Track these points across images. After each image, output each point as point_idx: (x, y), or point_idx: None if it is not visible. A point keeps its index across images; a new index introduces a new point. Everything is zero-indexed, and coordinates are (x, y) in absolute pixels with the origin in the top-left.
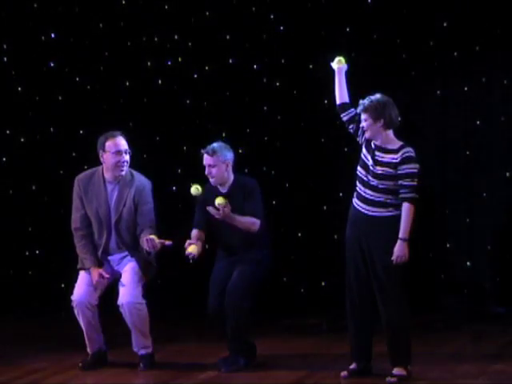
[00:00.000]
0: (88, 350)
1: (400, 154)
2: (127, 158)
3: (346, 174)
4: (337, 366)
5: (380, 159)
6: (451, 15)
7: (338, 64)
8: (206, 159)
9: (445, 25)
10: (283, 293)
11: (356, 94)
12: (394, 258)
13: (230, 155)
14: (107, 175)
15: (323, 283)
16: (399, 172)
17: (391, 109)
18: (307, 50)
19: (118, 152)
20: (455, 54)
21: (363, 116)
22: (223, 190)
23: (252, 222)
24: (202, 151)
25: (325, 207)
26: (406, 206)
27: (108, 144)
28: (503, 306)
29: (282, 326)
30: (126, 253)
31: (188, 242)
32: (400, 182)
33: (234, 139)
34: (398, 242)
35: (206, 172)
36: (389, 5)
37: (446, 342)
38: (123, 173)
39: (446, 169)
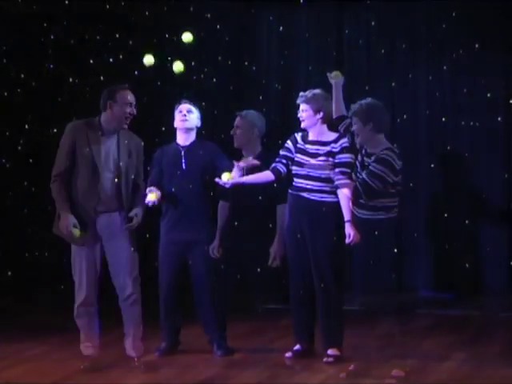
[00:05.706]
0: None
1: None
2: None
3: None
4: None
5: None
6: (449, 18)
7: (335, 78)
8: None
9: (444, 26)
10: None
11: (355, 96)
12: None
13: None
14: (109, 126)
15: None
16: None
17: (380, 114)
18: (306, 52)
19: (130, 104)
20: (454, 55)
21: (353, 120)
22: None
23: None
24: None
25: None
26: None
27: (120, 95)
28: (501, 309)
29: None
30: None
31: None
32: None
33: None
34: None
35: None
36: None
37: (445, 345)
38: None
39: (445, 170)
